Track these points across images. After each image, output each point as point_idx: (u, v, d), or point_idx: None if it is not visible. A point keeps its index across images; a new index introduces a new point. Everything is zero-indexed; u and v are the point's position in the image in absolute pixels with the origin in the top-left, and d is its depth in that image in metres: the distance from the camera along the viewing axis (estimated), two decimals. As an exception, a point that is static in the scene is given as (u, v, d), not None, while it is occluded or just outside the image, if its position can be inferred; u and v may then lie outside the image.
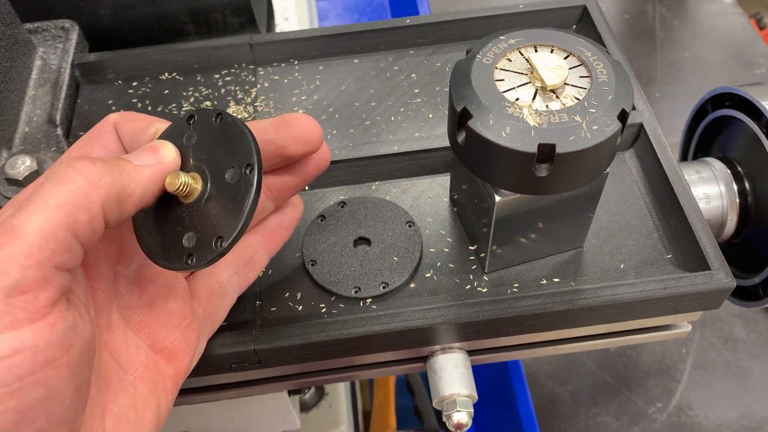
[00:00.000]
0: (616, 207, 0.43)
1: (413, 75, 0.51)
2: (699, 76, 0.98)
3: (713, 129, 0.57)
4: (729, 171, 0.52)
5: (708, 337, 0.74)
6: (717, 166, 0.52)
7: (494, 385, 0.71)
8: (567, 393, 0.71)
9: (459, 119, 0.33)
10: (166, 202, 0.29)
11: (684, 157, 0.63)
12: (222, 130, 0.29)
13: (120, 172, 0.26)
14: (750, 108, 0.52)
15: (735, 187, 0.51)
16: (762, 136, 0.50)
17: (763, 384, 0.71)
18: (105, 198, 0.25)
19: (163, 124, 0.31)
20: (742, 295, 0.56)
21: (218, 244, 0.27)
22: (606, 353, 0.74)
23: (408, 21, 0.52)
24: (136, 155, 0.28)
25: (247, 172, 0.27)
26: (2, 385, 0.22)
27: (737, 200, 0.51)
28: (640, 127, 0.45)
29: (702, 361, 0.73)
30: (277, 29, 0.72)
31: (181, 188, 0.28)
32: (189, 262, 0.27)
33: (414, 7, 1.07)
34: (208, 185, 0.28)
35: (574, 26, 0.53)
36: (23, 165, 0.42)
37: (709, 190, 0.51)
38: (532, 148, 0.30)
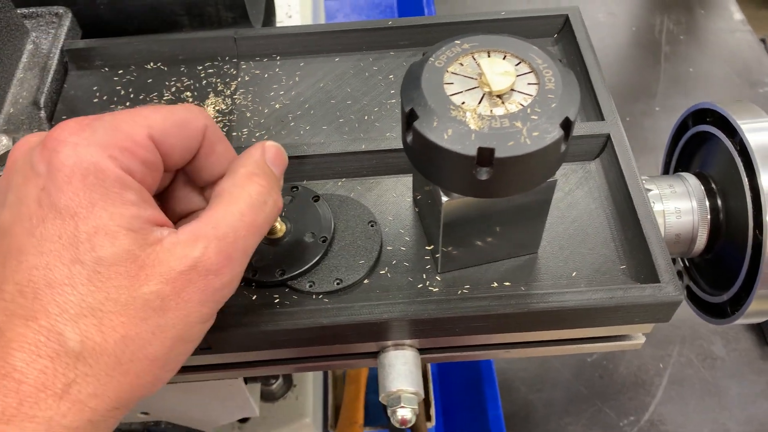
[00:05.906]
0: (576, 215, 0.43)
1: (391, 76, 0.51)
2: (701, 93, 0.97)
3: (693, 144, 0.57)
4: (703, 187, 0.52)
5: (687, 354, 0.74)
6: (691, 181, 0.52)
7: (466, 387, 0.72)
8: (540, 401, 0.71)
9: (407, 120, 0.33)
10: None
11: (666, 171, 0.62)
12: (314, 207, 0.42)
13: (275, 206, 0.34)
14: (727, 125, 0.51)
15: (707, 203, 0.51)
16: (735, 154, 0.49)
17: (739, 404, 0.70)
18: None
19: None
20: (713, 311, 0.55)
21: (282, 275, 0.40)
22: (583, 364, 0.74)
23: (390, 23, 0.52)
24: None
25: (322, 241, 0.41)
26: None
27: (708, 216, 0.51)
28: (608, 138, 0.45)
29: (679, 377, 0.72)
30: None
31: (272, 229, 0.40)
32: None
33: (420, 9, 1.08)
34: (288, 233, 0.41)
35: (555, 35, 0.53)
36: (-1, 144, 0.43)
37: (681, 205, 0.51)
38: (472, 151, 0.31)
